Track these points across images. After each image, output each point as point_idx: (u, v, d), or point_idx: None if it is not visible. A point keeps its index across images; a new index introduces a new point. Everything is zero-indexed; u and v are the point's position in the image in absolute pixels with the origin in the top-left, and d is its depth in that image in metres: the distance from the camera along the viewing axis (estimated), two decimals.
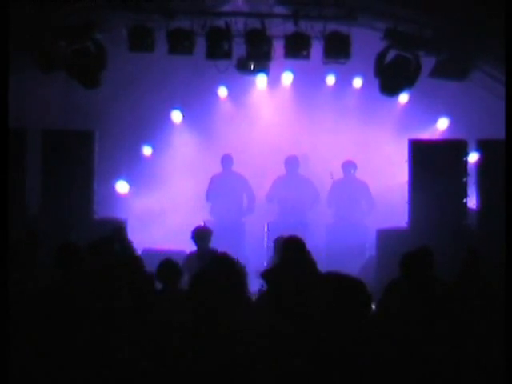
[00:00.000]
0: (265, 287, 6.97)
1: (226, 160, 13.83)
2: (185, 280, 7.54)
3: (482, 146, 12.08)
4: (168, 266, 7.56)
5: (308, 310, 5.75)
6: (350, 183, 13.68)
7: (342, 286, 5.42)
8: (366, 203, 13.63)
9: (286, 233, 8.54)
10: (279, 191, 13.72)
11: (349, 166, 13.69)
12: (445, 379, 5.23)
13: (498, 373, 5.22)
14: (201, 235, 10.08)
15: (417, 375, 5.13)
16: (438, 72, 12.32)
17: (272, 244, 10.43)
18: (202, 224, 12.85)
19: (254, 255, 12.36)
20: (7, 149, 5.85)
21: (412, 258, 7.44)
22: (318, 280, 7.15)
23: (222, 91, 14.74)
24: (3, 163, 5.81)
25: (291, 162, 13.78)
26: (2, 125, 5.86)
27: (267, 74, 13.45)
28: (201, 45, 11.99)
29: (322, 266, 8.24)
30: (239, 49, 12.15)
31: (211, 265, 6.08)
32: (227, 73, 12.55)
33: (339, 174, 13.75)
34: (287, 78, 14.52)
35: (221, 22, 11.95)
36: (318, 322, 5.32)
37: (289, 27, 11.94)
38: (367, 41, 12.17)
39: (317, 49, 11.98)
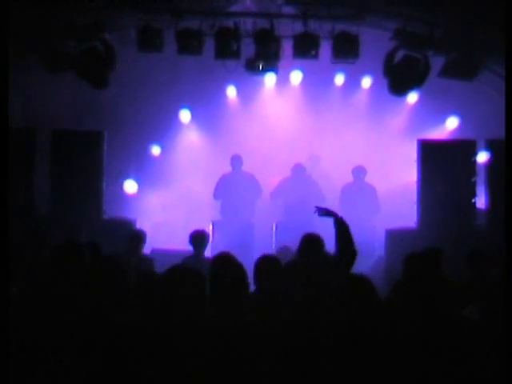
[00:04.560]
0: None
1: (236, 160, 13.83)
2: None
3: (491, 146, 12.08)
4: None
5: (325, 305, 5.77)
6: (359, 187, 13.68)
7: (350, 284, 5.44)
8: (372, 207, 13.63)
9: (294, 233, 8.56)
10: (285, 192, 13.73)
11: (359, 171, 13.69)
12: (448, 379, 5.23)
13: (503, 373, 5.21)
14: (198, 239, 10.09)
15: (421, 375, 5.13)
16: (447, 72, 12.30)
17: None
18: (210, 226, 12.90)
19: None
20: (7, 149, 5.85)
21: (419, 258, 7.45)
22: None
23: (231, 91, 14.76)
24: (3, 163, 5.81)
25: (297, 170, 13.78)
26: (2, 125, 5.87)
27: (276, 73, 13.45)
28: (210, 45, 12.01)
29: None
30: (248, 49, 12.17)
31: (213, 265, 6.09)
32: (236, 72, 12.57)
33: (349, 177, 13.75)
34: (296, 77, 14.52)
35: (229, 22, 11.96)
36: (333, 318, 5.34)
37: (297, 27, 11.95)
38: (376, 41, 12.16)
39: (325, 48, 11.99)
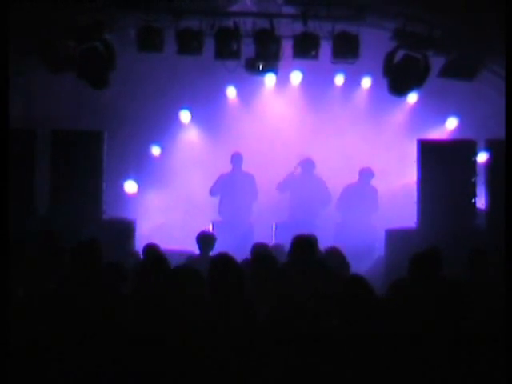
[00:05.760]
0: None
1: (236, 158, 13.83)
2: None
3: (490, 146, 12.07)
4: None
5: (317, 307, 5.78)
6: (362, 189, 13.69)
7: (347, 283, 5.45)
8: (371, 208, 13.67)
9: (294, 233, 8.55)
10: (291, 185, 13.74)
11: (367, 173, 13.69)
12: (450, 379, 5.23)
13: (504, 374, 5.22)
14: (205, 240, 10.08)
15: (423, 374, 5.13)
16: (447, 72, 12.30)
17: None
18: (210, 227, 12.90)
19: None
20: (7, 149, 5.86)
21: (421, 258, 7.45)
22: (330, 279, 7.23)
23: (231, 91, 14.75)
24: (4, 163, 5.82)
25: (306, 164, 13.78)
26: (2, 125, 5.87)
27: (276, 73, 13.44)
28: (209, 45, 12.00)
29: None
30: (248, 49, 12.16)
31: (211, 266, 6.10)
32: (236, 73, 12.57)
33: (349, 177, 13.77)
34: (296, 77, 14.52)
35: (229, 22, 11.96)
36: (326, 320, 5.35)
37: (297, 27, 11.95)
38: (376, 41, 12.16)
39: (325, 49, 11.99)
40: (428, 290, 6.94)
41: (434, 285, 7.17)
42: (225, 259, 6.08)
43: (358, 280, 5.60)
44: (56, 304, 5.91)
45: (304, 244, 8.06)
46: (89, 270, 6.94)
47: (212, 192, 13.81)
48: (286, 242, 9.73)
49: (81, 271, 7.03)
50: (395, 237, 11.89)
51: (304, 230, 8.85)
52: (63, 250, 8.01)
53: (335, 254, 8.84)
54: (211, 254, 9.99)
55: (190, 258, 10.09)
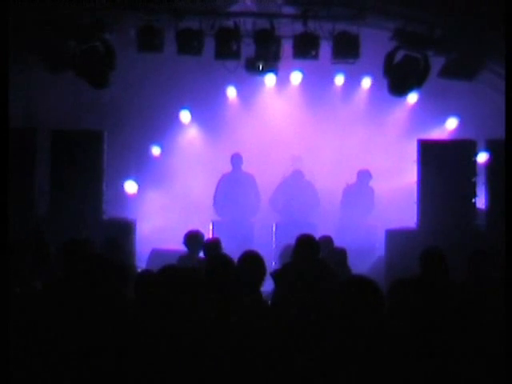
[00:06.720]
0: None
1: (236, 159, 13.84)
2: None
3: (491, 146, 12.07)
4: None
5: (320, 308, 5.77)
6: (360, 190, 13.72)
7: (356, 285, 5.44)
8: (367, 207, 13.74)
9: (294, 233, 8.56)
10: (283, 195, 13.78)
11: (365, 175, 13.73)
12: (451, 379, 5.23)
13: (504, 374, 5.21)
14: (192, 240, 10.08)
15: (425, 375, 5.13)
16: (447, 72, 12.31)
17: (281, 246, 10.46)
18: (211, 227, 12.92)
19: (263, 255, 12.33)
20: (7, 149, 5.86)
21: (433, 255, 7.46)
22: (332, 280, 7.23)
23: (231, 91, 14.77)
24: (3, 163, 5.82)
25: (297, 175, 13.85)
26: (2, 125, 5.87)
27: (276, 73, 13.46)
28: (210, 45, 12.01)
29: None
30: (248, 49, 12.17)
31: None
32: (236, 73, 12.57)
33: (349, 176, 13.80)
34: (296, 77, 14.53)
35: (230, 23, 11.96)
36: (330, 321, 5.34)
37: (297, 27, 11.96)
38: (376, 41, 12.17)
39: (326, 49, 12.00)
40: (434, 289, 6.94)
41: (441, 284, 7.18)
42: (224, 260, 6.08)
43: (360, 280, 5.59)
44: (45, 303, 5.90)
45: (307, 244, 8.07)
46: (80, 269, 6.90)
47: (215, 201, 13.77)
48: (287, 242, 9.77)
49: (71, 270, 7.00)
50: (395, 237, 11.89)
51: (304, 231, 8.85)
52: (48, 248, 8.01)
53: (338, 255, 8.87)
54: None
55: (180, 256, 10.11)
